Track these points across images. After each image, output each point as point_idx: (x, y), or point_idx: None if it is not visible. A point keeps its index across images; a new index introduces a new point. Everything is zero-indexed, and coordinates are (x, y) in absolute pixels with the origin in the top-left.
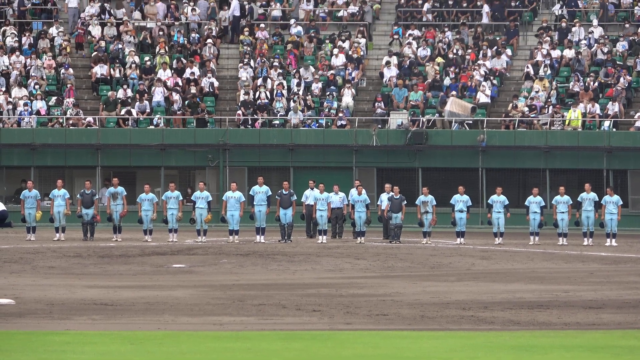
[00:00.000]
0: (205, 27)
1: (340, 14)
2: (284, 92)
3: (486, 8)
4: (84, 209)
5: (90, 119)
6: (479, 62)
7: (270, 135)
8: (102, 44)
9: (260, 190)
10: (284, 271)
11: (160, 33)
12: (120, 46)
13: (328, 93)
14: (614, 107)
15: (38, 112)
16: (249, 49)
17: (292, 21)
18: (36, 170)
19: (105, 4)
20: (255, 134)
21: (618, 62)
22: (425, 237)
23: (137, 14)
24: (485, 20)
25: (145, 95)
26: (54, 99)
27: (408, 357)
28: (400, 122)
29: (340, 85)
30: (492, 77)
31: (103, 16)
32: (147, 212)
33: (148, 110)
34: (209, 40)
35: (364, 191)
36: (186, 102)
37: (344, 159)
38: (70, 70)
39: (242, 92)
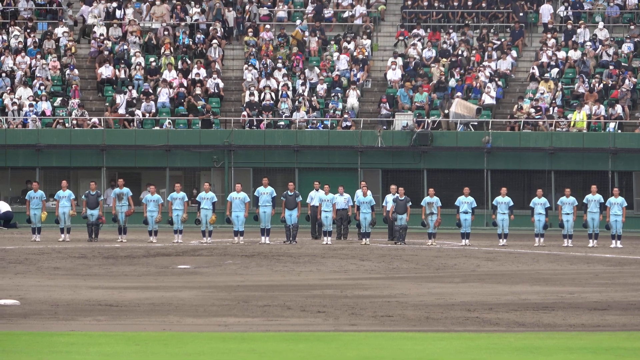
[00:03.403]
0: (211, 27)
1: (345, 15)
2: (289, 93)
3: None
4: (89, 209)
5: (95, 119)
6: (484, 63)
7: (276, 137)
8: (108, 44)
9: (265, 192)
10: (289, 272)
11: (166, 34)
12: (125, 47)
13: (333, 94)
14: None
15: (43, 113)
16: (253, 49)
17: (298, 21)
18: (41, 171)
19: (114, 4)
20: (260, 135)
21: (623, 64)
22: (430, 239)
23: (142, 15)
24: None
25: (151, 96)
26: (59, 99)
27: (413, 358)
28: (406, 124)
29: (345, 87)
30: (497, 79)
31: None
32: (152, 213)
33: (153, 110)
34: (214, 41)
35: (369, 192)
36: (189, 103)
37: (349, 160)
38: (76, 71)
39: (247, 93)
